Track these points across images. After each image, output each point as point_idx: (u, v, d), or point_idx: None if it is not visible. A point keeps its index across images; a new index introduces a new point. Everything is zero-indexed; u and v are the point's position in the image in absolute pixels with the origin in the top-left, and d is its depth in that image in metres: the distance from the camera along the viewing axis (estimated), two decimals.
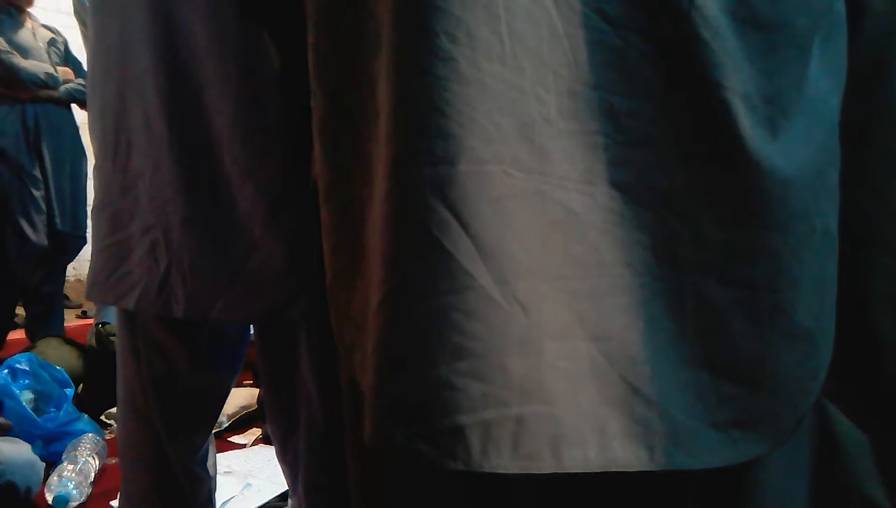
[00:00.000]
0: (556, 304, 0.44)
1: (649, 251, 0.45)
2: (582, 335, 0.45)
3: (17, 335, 3.01)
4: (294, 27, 0.56)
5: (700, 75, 0.44)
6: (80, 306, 4.00)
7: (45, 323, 2.85)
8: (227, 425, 2.03)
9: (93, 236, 0.93)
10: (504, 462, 0.44)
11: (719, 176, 0.45)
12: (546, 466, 0.44)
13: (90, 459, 1.70)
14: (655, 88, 0.44)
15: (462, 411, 0.44)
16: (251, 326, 1.05)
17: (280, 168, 0.81)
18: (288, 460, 1.01)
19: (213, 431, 1.94)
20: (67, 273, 3.21)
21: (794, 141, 0.46)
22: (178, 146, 0.82)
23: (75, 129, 2.91)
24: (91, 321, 2.98)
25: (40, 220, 2.75)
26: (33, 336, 2.74)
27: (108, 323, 2.29)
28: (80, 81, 2.83)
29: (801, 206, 0.46)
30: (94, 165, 0.92)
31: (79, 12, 2.26)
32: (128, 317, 0.96)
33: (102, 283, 0.91)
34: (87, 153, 2.88)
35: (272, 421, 1.02)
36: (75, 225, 2.85)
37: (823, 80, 0.47)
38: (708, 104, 0.44)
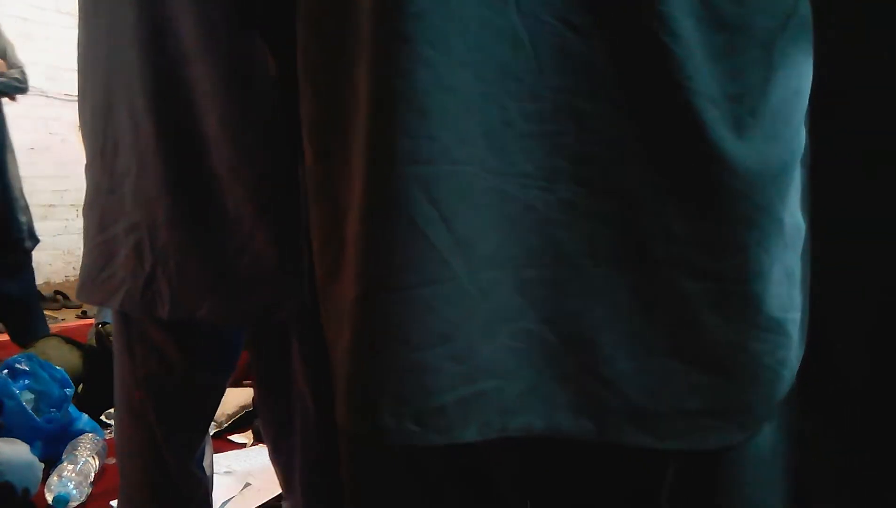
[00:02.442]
0: (509, 290, 0.48)
1: (614, 244, 0.48)
2: (533, 317, 0.49)
3: None
4: (286, 30, 0.57)
5: (665, 78, 0.46)
6: (80, 306, 4.00)
7: (24, 325, 2.78)
8: (227, 425, 2.03)
9: (83, 236, 0.93)
10: (471, 433, 0.49)
11: (685, 173, 0.47)
12: (495, 432, 0.49)
13: (90, 459, 1.70)
14: (619, 89, 0.47)
15: (444, 390, 0.48)
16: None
17: (269, 169, 0.80)
18: (281, 461, 1.01)
19: (214, 431, 1.95)
20: (67, 273, 3.20)
21: (760, 138, 0.47)
22: (164, 146, 0.81)
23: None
24: (91, 321, 2.97)
25: None
26: (19, 341, 2.69)
27: (109, 323, 2.29)
28: (13, 74, 2.72)
29: (766, 200, 0.48)
30: (85, 164, 0.92)
31: None
32: (123, 317, 0.96)
33: (90, 283, 0.91)
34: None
35: (265, 422, 1.02)
36: (6, 227, 2.70)
37: (790, 79, 0.49)
38: (673, 105, 0.46)
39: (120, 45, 0.82)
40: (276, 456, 1.02)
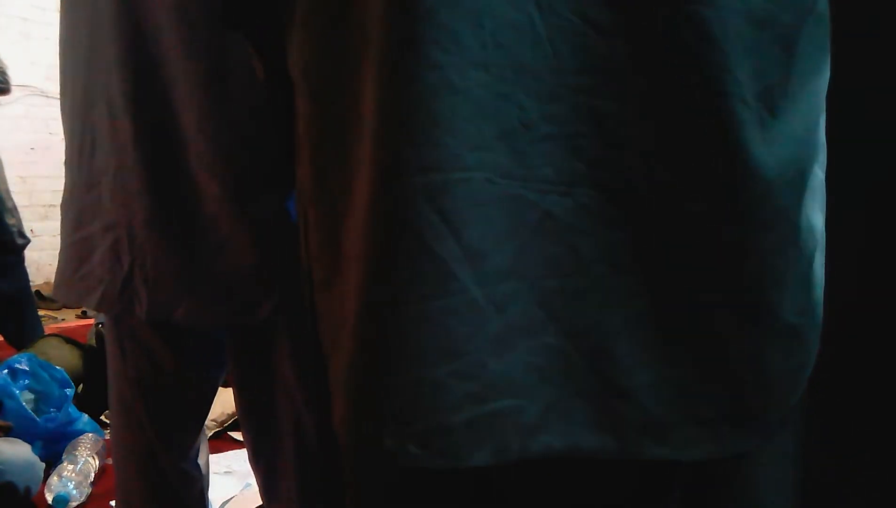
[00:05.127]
0: (528, 302, 0.46)
1: (631, 251, 0.46)
2: (553, 330, 0.46)
3: None
4: (273, 29, 0.57)
5: (691, 77, 0.44)
6: (80, 306, 4.00)
7: (19, 326, 2.75)
8: (227, 424, 2.03)
9: (60, 234, 0.92)
10: (483, 456, 0.46)
11: (707, 176, 0.46)
12: (513, 455, 0.47)
13: (90, 459, 1.70)
14: (640, 89, 0.45)
15: (450, 410, 0.46)
16: None
17: (248, 168, 0.80)
18: (260, 466, 1.00)
19: (215, 430, 1.95)
20: None
21: (778, 139, 0.46)
22: (142, 144, 0.81)
23: None
24: (91, 321, 2.96)
25: None
26: (14, 341, 2.67)
27: None
28: None
29: (783, 204, 0.47)
30: (65, 161, 0.91)
31: None
32: (115, 317, 0.95)
33: (66, 282, 0.90)
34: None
35: (244, 426, 1.01)
36: None
37: (808, 78, 0.48)
38: (699, 105, 0.45)
39: (99, 43, 0.81)
40: (255, 462, 1.01)
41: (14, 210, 2.77)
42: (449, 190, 0.44)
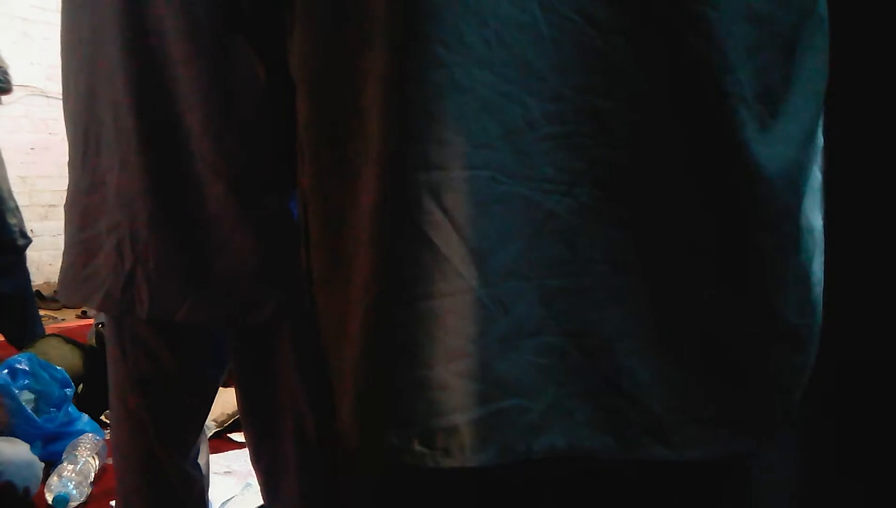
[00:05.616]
0: (532, 302, 0.46)
1: (632, 250, 0.47)
2: (556, 330, 0.47)
3: None
4: (274, 30, 0.57)
5: (692, 77, 0.44)
6: (80, 306, 4.00)
7: (20, 326, 2.75)
8: (227, 425, 2.03)
9: (64, 234, 0.93)
10: (489, 456, 0.47)
11: (708, 176, 0.46)
12: (519, 454, 0.47)
13: (90, 459, 1.70)
14: (641, 89, 0.45)
15: (456, 410, 0.46)
16: None
17: (252, 167, 0.80)
18: (262, 466, 1.00)
19: (214, 430, 1.95)
20: None
21: (778, 139, 0.46)
22: (146, 143, 0.81)
23: None
24: (91, 321, 2.96)
25: None
26: (15, 341, 2.67)
27: None
28: None
29: (784, 204, 0.47)
30: (68, 161, 0.91)
31: None
32: (116, 318, 0.95)
33: (70, 282, 0.90)
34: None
35: (246, 426, 1.01)
36: None
37: (806, 79, 0.48)
38: (701, 105, 0.45)
39: (102, 43, 0.81)
40: (257, 461, 1.01)
41: (16, 210, 2.78)
42: (453, 188, 0.45)
